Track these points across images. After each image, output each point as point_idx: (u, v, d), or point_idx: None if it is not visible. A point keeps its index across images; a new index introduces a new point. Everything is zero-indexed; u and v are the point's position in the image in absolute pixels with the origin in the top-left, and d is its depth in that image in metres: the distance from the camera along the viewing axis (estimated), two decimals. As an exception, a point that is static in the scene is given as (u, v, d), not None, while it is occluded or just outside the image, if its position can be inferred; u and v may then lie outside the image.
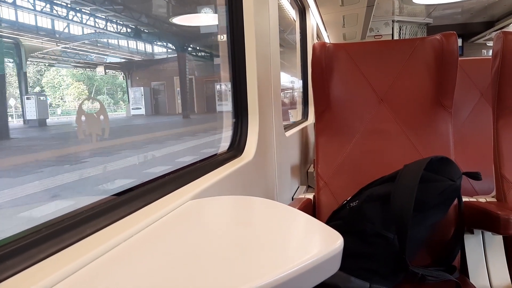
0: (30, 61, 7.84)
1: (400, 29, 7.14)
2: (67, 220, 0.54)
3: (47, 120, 6.25)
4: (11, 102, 6.54)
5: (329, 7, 3.30)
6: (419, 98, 1.34)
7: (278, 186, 1.44)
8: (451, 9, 6.67)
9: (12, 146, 5.02)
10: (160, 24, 11.49)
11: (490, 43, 8.03)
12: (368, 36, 5.95)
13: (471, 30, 7.89)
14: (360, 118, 1.38)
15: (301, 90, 2.94)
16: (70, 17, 8.30)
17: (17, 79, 6.18)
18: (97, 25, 9.24)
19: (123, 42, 10.59)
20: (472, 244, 1.18)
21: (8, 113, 6.19)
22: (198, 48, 13.76)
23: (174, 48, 12.61)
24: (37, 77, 10.65)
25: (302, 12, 2.77)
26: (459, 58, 1.31)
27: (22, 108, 6.04)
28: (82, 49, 9.27)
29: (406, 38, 6.78)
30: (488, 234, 1.17)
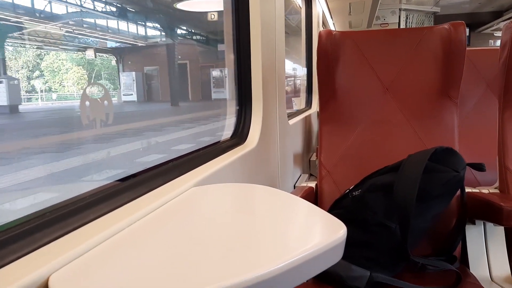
0: (8, 42, 7.06)
1: (407, 18, 7.05)
2: (71, 205, 0.54)
3: (19, 106, 5.70)
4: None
5: (335, -6, 3.26)
6: (425, 88, 1.32)
7: (281, 174, 1.44)
8: (459, -3, 6.57)
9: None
10: (159, 8, 11.04)
11: (498, 33, 7.93)
12: (374, 24, 5.88)
13: (478, 19, 7.78)
14: (365, 108, 1.37)
15: (305, 78, 2.92)
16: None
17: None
18: (83, 3, 8.36)
19: (112, 23, 9.84)
20: (474, 234, 1.18)
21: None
22: (193, 31, 13.25)
23: (166, 31, 11.98)
24: (18, 60, 9.81)
25: (308, -2, 2.73)
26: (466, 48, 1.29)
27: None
28: (70, 30, 8.46)
29: (412, 27, 6.70)
30: (489, 225, 1.17)
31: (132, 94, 10.60)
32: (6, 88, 5.32)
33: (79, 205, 0.55)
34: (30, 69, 10.52)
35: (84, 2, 8.60)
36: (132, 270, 0.40)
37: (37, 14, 7.50)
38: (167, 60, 11.43)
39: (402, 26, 6.90)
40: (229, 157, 0.95)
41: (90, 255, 0.45)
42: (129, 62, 11.36)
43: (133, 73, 10.78)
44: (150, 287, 0.37)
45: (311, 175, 2.08)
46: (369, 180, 1.08)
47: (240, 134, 1.17)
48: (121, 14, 10.05)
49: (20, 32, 7.18)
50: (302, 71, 3.01)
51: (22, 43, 8.15)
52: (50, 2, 7.52)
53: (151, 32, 11.83)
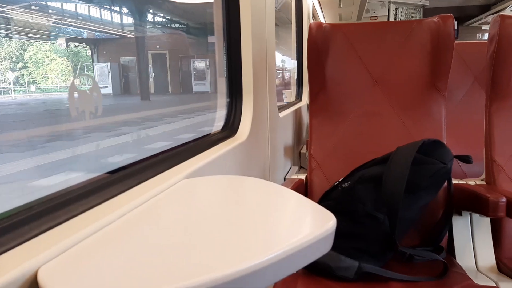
0: None
1: (396, 11, 7.07)
2: (60, 197, 0.53)
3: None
4: None
5: (325, -14, 3.25)
6: (414, 80, 1.33)
7: (271, 167, 1.45)
8: (448, -9, 6.61)
9: None
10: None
11: (486, 27, 8.00)
12: (364, 17, 5.89)
13: (467, 13, 7.84)
14: (355, 100, 1.37)
15: (295, 71, 2.92)
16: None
17: None
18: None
19: (82, 9, 8.62)
20: (460, 225, 1.20)
21: None
22: (172, 19, 12.64)
23: (145, 20, 11.32)
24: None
25: (298, -10, 2.72)
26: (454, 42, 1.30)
27: None
28: (38, 16, 7.25)
29: (402, 20, 6.72)
30: (476, 216, 1.20)
31: (107, 87, 10.03)
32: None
33: (68, 197, 0.54)
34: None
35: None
36: (122, 262, 0.40)
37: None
38: (146, 50, 10.93)
39: (392, 19, 6.92)
40: (220, 149, 0.95)
41: (79, 247, 0.44)
42: (104, 52, 10.80)
43: (108, 64, 10.16)
44: (140, 278, 0.37)
45: (301, 167, 2.09)
46: (358, 172, 1.09)
47: (230, 127, 1.17)
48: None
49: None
50: (292, 63, 3.01)
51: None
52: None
53: (128, 20, 11.25)
